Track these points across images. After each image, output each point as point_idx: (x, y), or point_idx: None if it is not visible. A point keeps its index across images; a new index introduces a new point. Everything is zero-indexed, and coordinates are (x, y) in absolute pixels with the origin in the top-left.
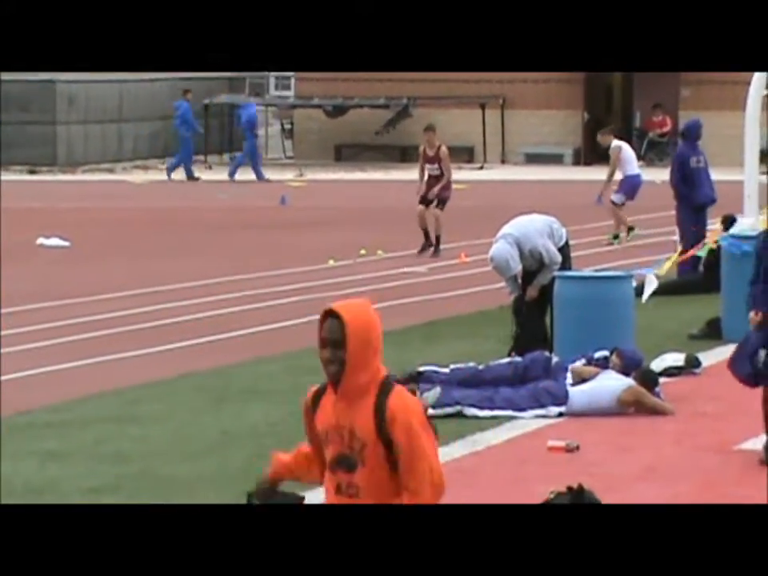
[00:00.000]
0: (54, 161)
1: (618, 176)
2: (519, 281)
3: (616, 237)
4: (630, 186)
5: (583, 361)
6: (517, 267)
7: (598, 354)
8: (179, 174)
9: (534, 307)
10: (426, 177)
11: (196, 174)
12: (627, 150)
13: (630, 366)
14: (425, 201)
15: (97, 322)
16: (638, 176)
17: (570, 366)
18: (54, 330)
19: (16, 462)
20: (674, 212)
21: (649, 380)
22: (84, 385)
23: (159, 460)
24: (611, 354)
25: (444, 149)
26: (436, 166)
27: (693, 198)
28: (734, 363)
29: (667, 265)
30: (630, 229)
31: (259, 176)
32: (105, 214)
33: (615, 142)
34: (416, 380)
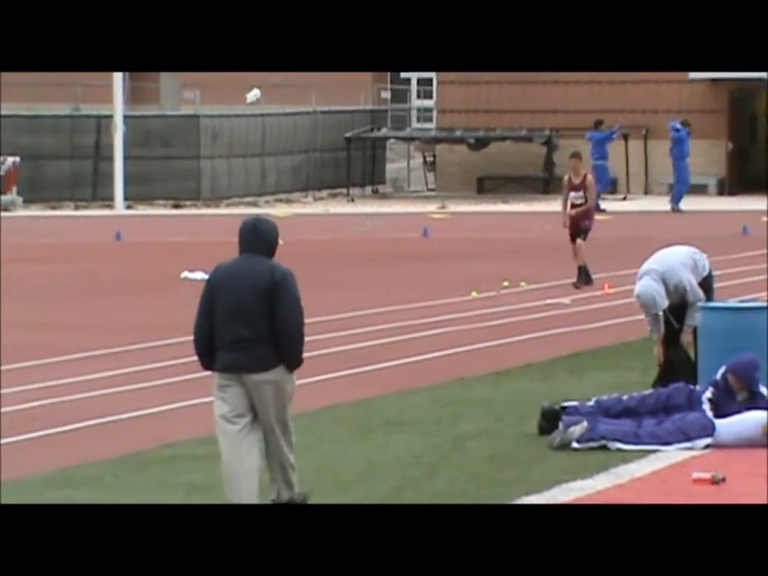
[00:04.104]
0: (197, 195)
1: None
2: (662, 319)
3: None
4: None
5: (711, 389)
6: (664, 303)
7: (718, 375)
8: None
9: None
10: (569, 206)
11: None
12: None
13: (745, 379)
14: (574, 236)
15: None
16: None
17: None
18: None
19: (161, 495)
20: None
21: None
22: None
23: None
24: (725, 373)
25: (590, 177)
26: (581, 193)
27: None
28: None
29: None
30: None
31: (676, 206)
32: None
33: None
34: (559, 415)
